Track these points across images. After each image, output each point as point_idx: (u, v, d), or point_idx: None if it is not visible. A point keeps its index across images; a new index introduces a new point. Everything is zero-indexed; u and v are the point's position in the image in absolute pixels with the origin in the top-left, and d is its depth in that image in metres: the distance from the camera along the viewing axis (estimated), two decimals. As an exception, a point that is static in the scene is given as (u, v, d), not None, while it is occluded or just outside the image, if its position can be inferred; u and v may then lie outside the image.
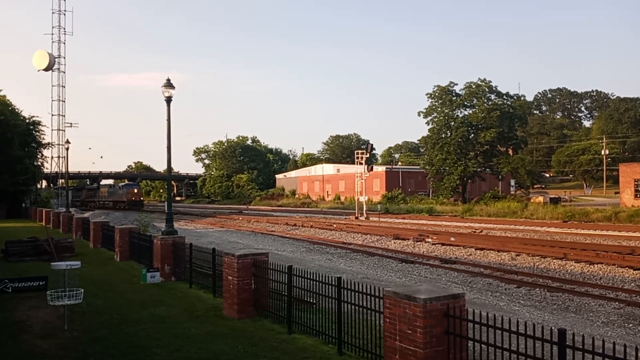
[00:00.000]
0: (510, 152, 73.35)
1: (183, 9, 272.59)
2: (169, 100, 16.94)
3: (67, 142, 41.52)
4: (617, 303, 12.91)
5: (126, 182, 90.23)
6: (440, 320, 5.87)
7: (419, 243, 25.74)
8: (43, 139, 58.53)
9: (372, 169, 56.88)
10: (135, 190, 75.32)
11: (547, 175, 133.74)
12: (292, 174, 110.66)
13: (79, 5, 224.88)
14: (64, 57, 64.42)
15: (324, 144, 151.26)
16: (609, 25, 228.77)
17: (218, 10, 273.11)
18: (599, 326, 11.17)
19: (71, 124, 65.95)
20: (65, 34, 64.09)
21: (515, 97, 71.77)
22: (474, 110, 67.49)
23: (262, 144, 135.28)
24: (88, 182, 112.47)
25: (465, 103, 68.17)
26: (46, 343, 8.66)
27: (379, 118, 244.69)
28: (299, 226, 38.42)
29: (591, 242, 25.29)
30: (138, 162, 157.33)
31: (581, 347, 4.76)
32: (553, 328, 5.18)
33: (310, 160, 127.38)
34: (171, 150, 17.40)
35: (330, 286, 8.16)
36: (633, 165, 56.53)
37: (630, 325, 11.26)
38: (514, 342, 5.40)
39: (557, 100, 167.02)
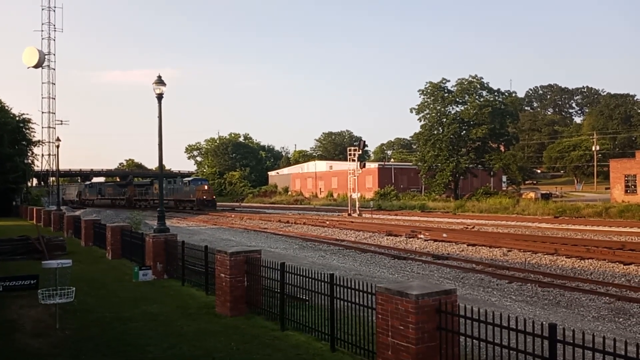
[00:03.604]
0: (502, 148, 73.70)
1: (177, 5, 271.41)
2: (160, 97, 16.92)
3: (58, 139, 41.35)
4: (607, 298, 13.02)
5: (193, 177, 78.70)
6: (433, 316, 5.90)
7: (411, 239, 25.82)
8: (33, 136, 58.06)
9: (364, 166, 56.90)
10: (206, 187, 63.31)
11: (539, 171, 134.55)
12: (285, 171, 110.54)
13: (70, 1, 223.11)
14: (54, 54, 63.67)
15: (317, 141, 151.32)
16: (600, 21, 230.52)
17: (212, 8, 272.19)
18: (590, 321, 11.26)
19: (62, 121, 65.28)
20: (55, 30, 63.34)
21: (506, 94, 72.02)
22: (465, 106, 67.69)
23: (254, 141, 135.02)
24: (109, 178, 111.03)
25: (457, 99, 68.32)
26: (38, 342, 8.62)
27: (372, 115, 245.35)
28: (291, 223, 38.41)
29: (582, 237, 25.47)
30: (130, 159, 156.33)
31: (572, 341, 4.80)
32: (544, 323, 5.23)
33: (303, 157, 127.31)
34: (163, 147, 17.40)
35: (323, 283, 8.18)
36: (623, 161, 57.00)
37: (621, 319, 11.37)
38: (505, 337, 5.44)
39: (548, 96, 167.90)
